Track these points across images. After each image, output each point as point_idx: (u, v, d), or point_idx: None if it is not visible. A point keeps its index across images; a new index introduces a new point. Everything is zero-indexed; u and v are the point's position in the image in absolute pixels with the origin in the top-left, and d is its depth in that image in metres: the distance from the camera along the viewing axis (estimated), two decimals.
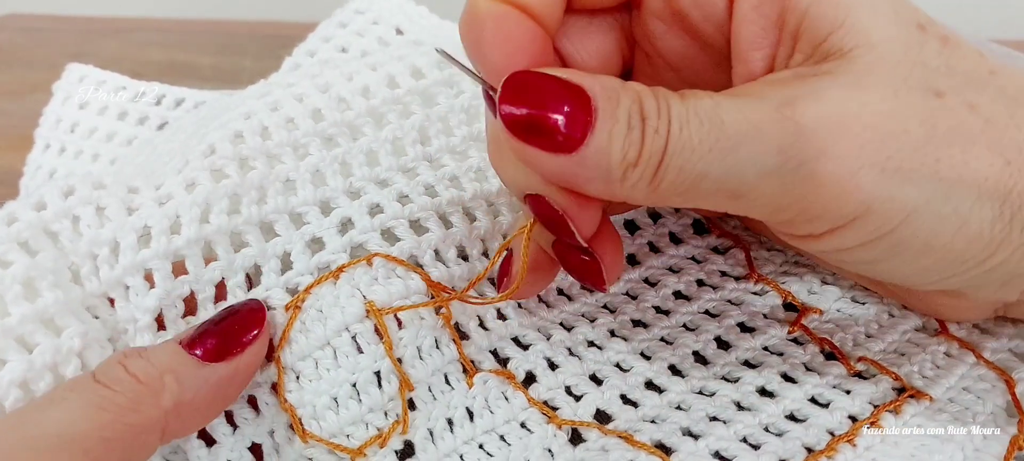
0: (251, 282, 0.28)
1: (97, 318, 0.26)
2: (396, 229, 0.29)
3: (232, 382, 0.25)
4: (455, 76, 0.33)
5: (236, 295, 0.27)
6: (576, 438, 0.27)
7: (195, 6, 0.83)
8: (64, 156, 0.44)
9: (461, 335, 0.29)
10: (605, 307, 0.32)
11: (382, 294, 0.27)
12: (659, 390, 0.28)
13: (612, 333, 0.30)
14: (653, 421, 0.27)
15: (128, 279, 0.26)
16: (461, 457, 0.26)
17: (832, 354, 0.29)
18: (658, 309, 0.32)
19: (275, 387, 0.27)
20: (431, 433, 0.27)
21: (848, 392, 0.27)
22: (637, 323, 0.31)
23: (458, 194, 0.31)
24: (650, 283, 0.33)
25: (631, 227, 0.34)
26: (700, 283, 0.33)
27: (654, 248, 0.34)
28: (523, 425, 0.27)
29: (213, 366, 0.24)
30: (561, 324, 0.31)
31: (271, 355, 0.27)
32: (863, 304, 0.32)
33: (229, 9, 0.82)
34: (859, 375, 0.28)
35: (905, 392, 0.27)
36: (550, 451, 0.26)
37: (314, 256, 0.28)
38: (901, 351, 0.29)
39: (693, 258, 0.34)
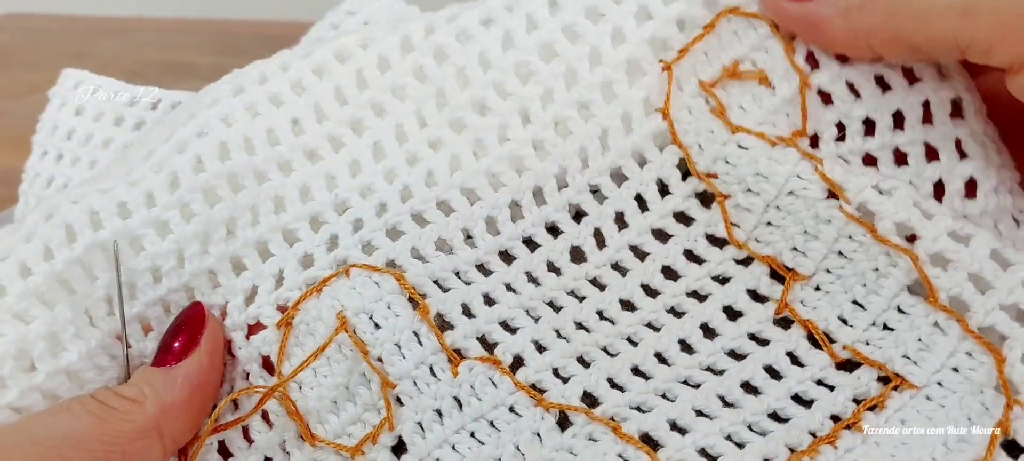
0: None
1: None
2: (373, 240, 0.31)
3: (201, 376, 0.28)
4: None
5: (233, 316, 0.30)
6: (564, 422, 0.27)
7: (194, 6, 0.83)
8: (62, 163, 0.44)
9: (446, 325, 0.29)
10: (594, 282, 0.31)
11: (358, 300, 0.29)
12: (645, 377, 0.28)
13: (601, 315, 0.30)
14: (639, 408, 0.27)
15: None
16: (453, 447, 0.27)
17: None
18: (647, 289, 0.31)
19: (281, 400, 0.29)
20: (421, 425, 0.27)
21: (832, 388, 0.27)
22: (625, 304, 0.30)
23: (433, 192, 0.31)
24: (638, 254, 0.31)
25: (618, 179, 0.32)
26: (688, 254, 0.31)
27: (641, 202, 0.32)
28: (511, 409, 0.28)
29: (176, 367, 0.28)
30: (549, 304, 0.30)
31: (273, 370, 0.29)
32: (850, 259, 0.30)
33: (228, 9, 0.82)
34: (846, 363, 0.28)
35: (890, 383, 0.27)
36: (539, 435, 0.27)
37: (304, 272, 0.30)
38: (888, 324, 0.29)
39: (681, 215, 0.32)
